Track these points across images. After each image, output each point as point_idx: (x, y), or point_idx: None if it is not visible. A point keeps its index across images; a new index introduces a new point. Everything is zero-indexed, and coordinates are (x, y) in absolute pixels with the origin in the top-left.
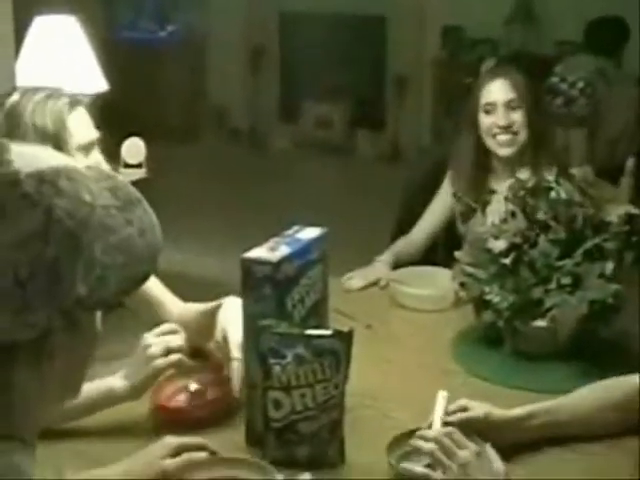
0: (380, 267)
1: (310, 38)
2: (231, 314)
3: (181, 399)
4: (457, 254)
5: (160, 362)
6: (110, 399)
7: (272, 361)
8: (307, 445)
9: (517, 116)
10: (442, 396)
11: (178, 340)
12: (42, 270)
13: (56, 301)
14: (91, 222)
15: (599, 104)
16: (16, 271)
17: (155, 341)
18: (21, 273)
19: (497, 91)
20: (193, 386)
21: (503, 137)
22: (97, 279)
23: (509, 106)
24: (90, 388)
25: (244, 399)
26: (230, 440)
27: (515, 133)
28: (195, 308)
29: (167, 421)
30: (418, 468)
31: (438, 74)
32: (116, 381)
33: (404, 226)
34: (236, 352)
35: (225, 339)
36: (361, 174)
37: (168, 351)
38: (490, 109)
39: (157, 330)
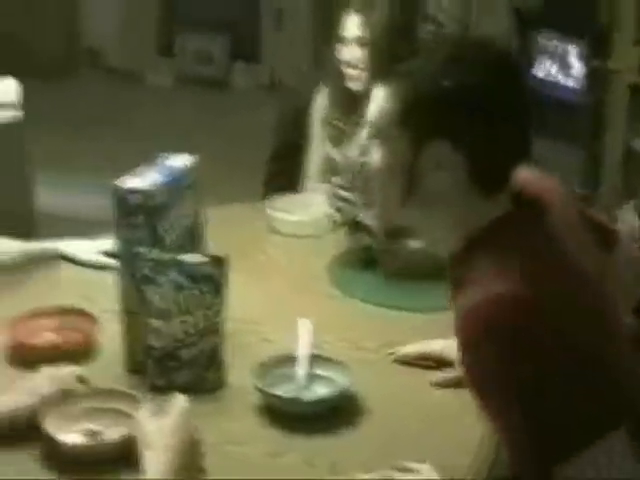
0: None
1: None
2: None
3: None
4: (332, 179)
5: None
6: None
7: (148, 288)
8: (187, 371)
9: (364, 53)
10: (304, 323)
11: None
12: None
13: None
14: None
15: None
16: None
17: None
18: None
19: (350, 27)
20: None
21: (350, 71)
22: None
23: (358, 42)
24: None
25: (123, 326)
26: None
27: (362, 69)
28: None
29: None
30: (285, 393)
31: (314, 3)
32: None
33: (278, 155)
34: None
35: None
36: (239, 106)
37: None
38: (344, 42)
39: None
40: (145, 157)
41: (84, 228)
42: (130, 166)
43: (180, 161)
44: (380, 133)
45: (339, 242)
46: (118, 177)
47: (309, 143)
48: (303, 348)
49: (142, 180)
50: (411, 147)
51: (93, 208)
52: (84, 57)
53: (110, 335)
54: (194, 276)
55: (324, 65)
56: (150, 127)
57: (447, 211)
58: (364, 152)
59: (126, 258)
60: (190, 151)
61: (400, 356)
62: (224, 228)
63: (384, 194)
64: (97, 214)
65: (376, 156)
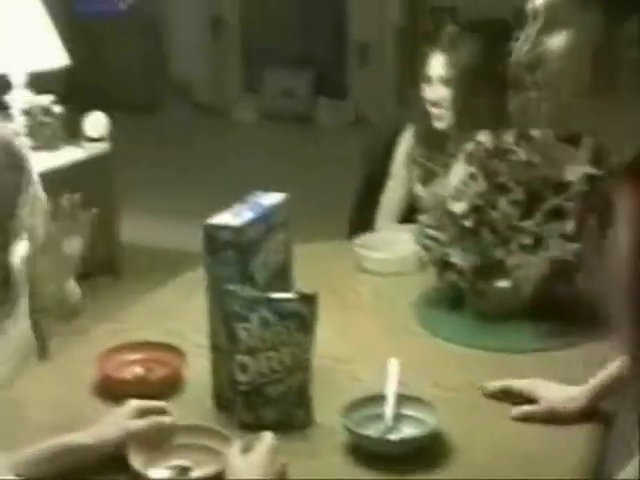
0: None
1: (270, 6)
2: None
3: (128, 372)
4: (419, 217)
5: (138, 423)
6: (76, 453)
7: (237, 325)
8: (275, 408)
9: (448, 93)
10: (393, 363)
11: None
12: None
13: None
14: None
15: None
16: None
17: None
18: None
19: (435, 65)
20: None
21: (434, 110)
22: None
23: (442, 81)
24: (54, 444)
25: (210, 363)
26: (197, 404)
27: (446, 109)
28: None
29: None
30: (372, 433)
31: (400, 41)
32: (82, 437)
33: (364, 192)
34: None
35: None
36: (324, 142)
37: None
38: (429, 81)
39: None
40: (231, 190)
41: (169, 259)
42: (217, 199)
43: (271, 198)
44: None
45: (426, 280)
46: (205, 210)
47: (389, 181)
48: (391, 388)
49: (233, 216)
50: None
51: (179, 240)
52: (172, 92)
53: (198, 370)
54: (282, 313)
55: (408, 103)
56: (235, 161)
57: None
58: (454, 194)
59: (216, 294)
60: (274, 186)
61: (488, 391)
62: (311, 265)
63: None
64: (182, 246)
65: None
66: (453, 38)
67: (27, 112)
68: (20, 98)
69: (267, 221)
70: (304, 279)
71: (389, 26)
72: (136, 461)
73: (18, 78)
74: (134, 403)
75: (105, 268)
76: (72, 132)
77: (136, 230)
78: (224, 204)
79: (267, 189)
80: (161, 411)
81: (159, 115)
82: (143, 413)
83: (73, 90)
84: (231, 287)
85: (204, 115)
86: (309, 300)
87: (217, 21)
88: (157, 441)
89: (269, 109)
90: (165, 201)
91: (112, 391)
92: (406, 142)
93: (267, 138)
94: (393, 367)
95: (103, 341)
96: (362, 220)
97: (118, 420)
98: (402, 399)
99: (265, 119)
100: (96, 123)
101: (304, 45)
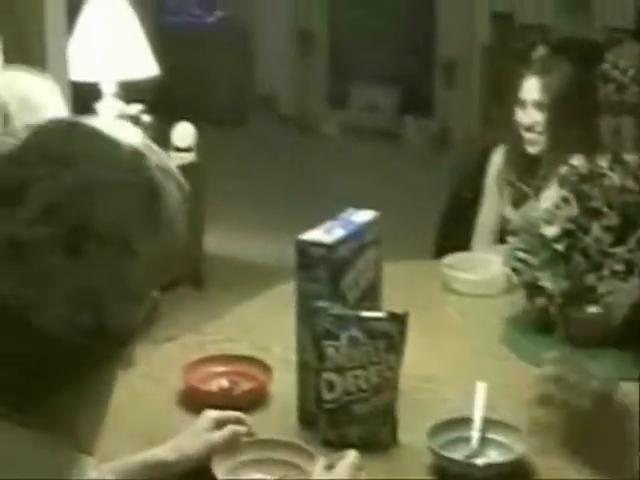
0: None
1: (358, 21)
2: None
3: (213, 385)
4: (510, 239)
5: (218, 435)
6: (161, 469)
7: (326, 342)
8: (359, 426)
9: (543, 117)
10: (481, 387)
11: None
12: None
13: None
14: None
15: None
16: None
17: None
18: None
19: (529, 89)
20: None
21: (528, 135)
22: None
23: (536, 106)
24: (137, 460)
25: (297, 379)
26: (281, 419)
27: (540, 133)
28: None
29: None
30: (457, 456)
31: (488, 60)
32: (166, 453)
33: (452, 212)
34: None
35: None
36: (408, 159)
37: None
38: (522, 105)
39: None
40: (317, 204)
41: (254, 272)
42: (302, 213)
43: (362, 216)
44: None
45: (515, 303)
46: (291, 224)
47: (482, 202)
48: (478, 411)
49: (325, 233)
50: None
51: (264, 253)
52: (258, 105)
53: (284, 385)
54: (372, 332)
55: (496, 123)
56: (320, 175)
57: None
58: (546, 217)
59: (305, 310)
60: (360, 202)
61: None
62: (397, 284)
63: None
64: (268, 260)
65: None
66: (545, 61)
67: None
68: (110, 107)
69: (359, 239)
70: (391, 298)
71: (477, 44)
72: (219, 472)
73: (109, 87)
74: (211, 414)
75: (189, 279)
76: (160, 142)
77: (221, 242)
78: (310, 218)
79: (352, 204)
80: (238, 421)
81: (246, 128)
82: (221, 424)
83: (161, 100)
84: (321, 304)
85: (290, 128)
86: (399, 320)
87: (305, 35)
88: (239, 454)
89: (354, 123)
90: (250, 213)
91: (196, 402)
92: (496, 163)
93: (351, 153)
94: (480, 390)
95: (188, 352)
96: (449, 239)
97: (199, 433)
98: (488, 423)
99: (350, 133)
100: (184, 133)
101: (391, 61)
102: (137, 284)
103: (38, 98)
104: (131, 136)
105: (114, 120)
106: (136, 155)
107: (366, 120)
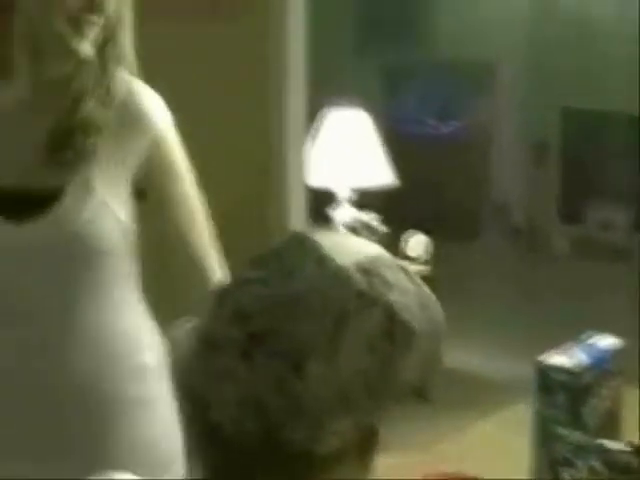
0: None
1: (593, 136)
2: None
3: None
4: None
5: None
6: None
7: (563, 470)
8: None
9: None
10: None
11: None
12: (391, 372)
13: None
14: (415, 311)
15: None
16: (367, 377)
17: None
18: (372, 379)
19: None
20: None
21: None
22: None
23: None
24: None
25: None
26: None
27: None
28: None
29: None
30: None
31: None
32: None
33: None
34: None
35: None
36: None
37: None
38: None
39: None
40: (549, 323)
41: (488, 390)
42: (538, 333)
43: (605, 342)
44: None
45: None
46: (525, 344)
47: None
48: None
49: (567, 357)
50: None
51: (497, 371)
52: (492, 219)
53: None
54: (612, 464)
55: None
56: (551, 295)
57: None
58: None
59: (543, 434)
60: (595, 325)
61: None
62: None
63: None
64: (502, 378)
65: None
66: None
67: (350, 227)
68: (345, 213)
69: (602, 366)
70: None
71: None
72: None
73: (344, 193)
74: None
75: (417, 391)
76: (390, 250)
77: (459, 356)
78: (545, 338)
79: (588, 327)
80: None
81: (479, 242)
82: None
83: (392, 207)
84: (561, 430)
85: (521, 243)
86: None
87: (540, 147)
88: None
89: (586, 241)
90: (481, 330)
91: None
92: None
93: (583, 273)
94: None
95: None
96: None
97: None
98: None
99: (581, 251)
100: (416, 244)
101: (628, 177)
102: (310, 405)
103: None
104: (358, 253)
105: (349, 237)
106: (338, 275)
107: (600, 238)
